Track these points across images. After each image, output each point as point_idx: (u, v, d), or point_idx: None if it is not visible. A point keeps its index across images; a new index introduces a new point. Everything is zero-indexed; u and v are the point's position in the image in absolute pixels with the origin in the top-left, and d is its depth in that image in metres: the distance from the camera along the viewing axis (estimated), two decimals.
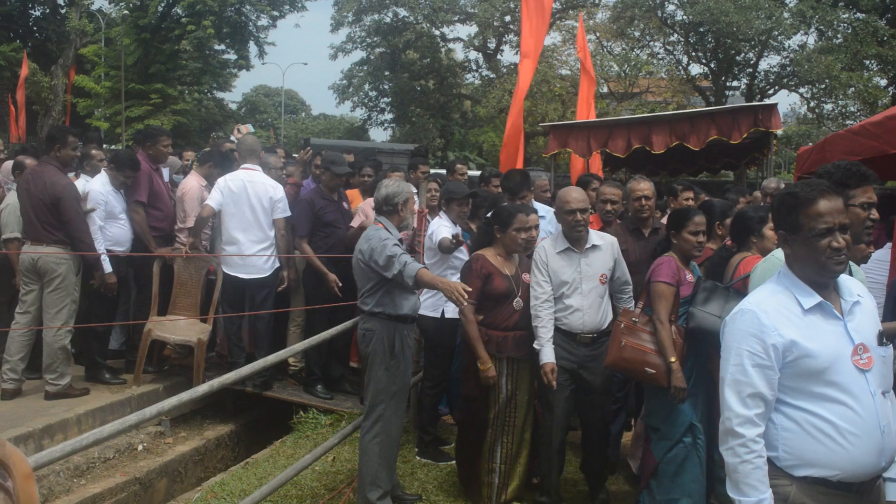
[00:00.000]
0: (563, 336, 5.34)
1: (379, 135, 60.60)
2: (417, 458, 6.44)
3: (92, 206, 7.23)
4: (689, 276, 5.09)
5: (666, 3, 32.85)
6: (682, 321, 4.95)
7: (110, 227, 7.38)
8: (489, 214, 5.70)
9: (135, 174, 7.52)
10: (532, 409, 5.58)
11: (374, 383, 5.22)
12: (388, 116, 44.11)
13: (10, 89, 30.56)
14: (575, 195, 5.40)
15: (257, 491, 4.97)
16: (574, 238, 5.40)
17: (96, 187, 7.34)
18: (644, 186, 6.33)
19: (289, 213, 7.62)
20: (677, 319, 4.96)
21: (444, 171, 12.33)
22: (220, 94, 41.98)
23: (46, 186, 6.77)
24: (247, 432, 7.92)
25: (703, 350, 4.89)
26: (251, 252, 7.46)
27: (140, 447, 6.96)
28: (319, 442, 6.61)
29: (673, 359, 4.77)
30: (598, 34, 36.57)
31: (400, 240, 5.29)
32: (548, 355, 5.21)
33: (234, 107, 54.87)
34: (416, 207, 5.61)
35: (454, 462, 6.15)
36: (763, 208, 5.14)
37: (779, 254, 3.56)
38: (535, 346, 5.29)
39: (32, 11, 40.32)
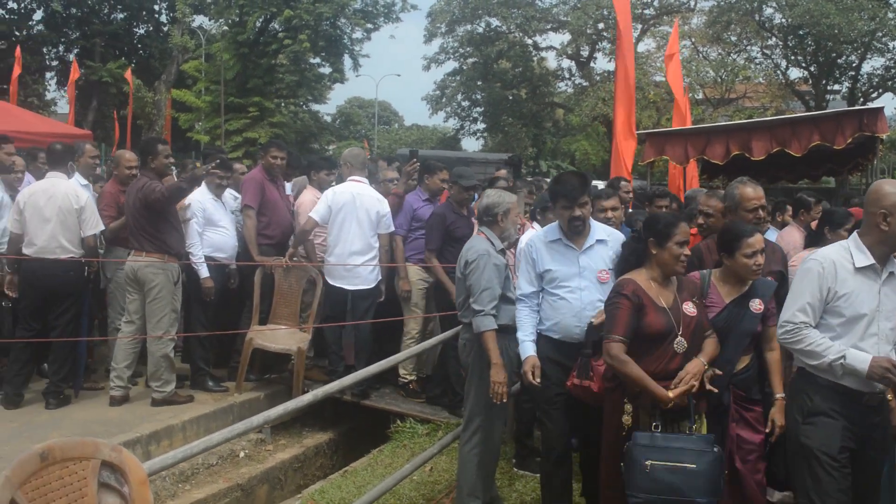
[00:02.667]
0: (846, 399, 3.90)
1: (471, 144, 60.82)
2: (515, 469, 6.40)
3: (189, 215, 7.46)
4: None
5: (764, 6, 32.17)
6: None
7: (210, 235, 7.63)
8: (641, 227, 4.61)
9: (227, 174, 7.83)
10: None
11: (473, 394, 5.21)
12: (481, 126, 44.25)
13: (116, 105, 31.71)
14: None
15: (358, 500, 5.02)
16: (885, 253, 3.94)
17: (195, 196, 7.57)
18: (759, 194, 5.01)
19: (392, 229, 7.68)
20: None
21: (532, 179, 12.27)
22: (315, 107, 42.67)
23: (138, 193, 6.98)
24: (344, 440, 7.99)
25: None
26: (355, 264, 7.53)
27: (242, 454, 7.10)
28: (416, 451, 6.63)
29: None
30: (693, 39, 36.02)
31: (503, 250, 5.28)
32: (860, 359, 3.80)
33: (328, 119, 55.71)
34: (519, 219, 5.48)
35: None
36: None
37: None
38: (824, 360, 3.86)
39: (136, 30, 41.79)
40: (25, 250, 6.96)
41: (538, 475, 6.21)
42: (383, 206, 7.62)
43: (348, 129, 66.12)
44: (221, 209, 7.82)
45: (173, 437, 6.71)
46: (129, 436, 6.35)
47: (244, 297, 8.03)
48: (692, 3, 37.16)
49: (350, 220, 7.50)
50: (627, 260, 4.54)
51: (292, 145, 32.91)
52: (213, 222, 7.67)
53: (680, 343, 4.19)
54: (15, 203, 7.05)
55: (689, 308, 4.29)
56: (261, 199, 7.85)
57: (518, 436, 6.53)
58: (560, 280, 4.87)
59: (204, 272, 7.51)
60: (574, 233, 4.87)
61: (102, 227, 7.23)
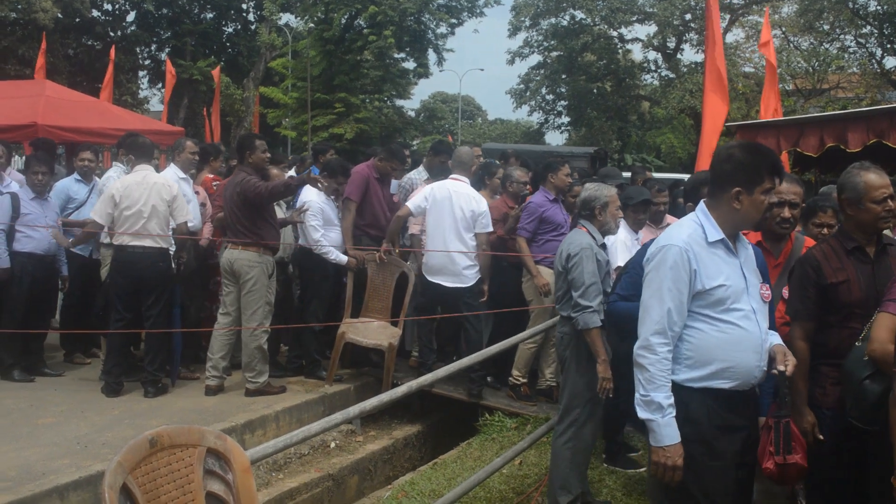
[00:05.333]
0: None
1: (555, 138, 60.25)
2: (606, 465, 6.35)
3: (308, 217, 7.64)
4: None
5: None
6: None
7: (329, 233, 7.79)
8: None
9: (346, 180, 7.92)
10: None
11: (569, 388, 5.20)
12: (565, 120, 43.92)
13: (206, 102, 32.47)
14: None
15: (450, 492, 5.04)
16: None
17: (312, 197, 7.74)
18: (887, 181, 3.89)
19: (491, 229, 7.62)
20: None
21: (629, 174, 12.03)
22: (399, 102, 42.91)
23: (235, 187, 7.15)
24: (433, 433, 8.05)
25: None
26: (452, 262, 7.54)
27: (332, 444, 7.19)
28: (505, 445, 6.64)
29: None
30: (783, 29, 35.14)
31: (603, 245, 5.25)
32: None
33: (412, 114, 55.94)
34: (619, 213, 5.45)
35: (643, 470, 6.03)
36: None
37: None
38: None
39: (225, 28, 42.76)
40: (116, 241, 7.17)
41: (628, 471, 6.19)
42: (480, 205, 7.54)
43: (432, 124, 66.29)
44: (335, 208, 7.99)
45: (267, 426, 6.84)
46: (224, 424, 6.48)
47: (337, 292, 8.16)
48: None
49: (446, 217, 7.50)
50: None
51: (377, 140, 33.27)
52: (330, 221, 7.84)
53: None
54: (108, 196, 7.12)
55: None
56: (363, 194, 8.00)
57: (607, 432, 6.47)
58: (732, 301, 3.30)
59: (343, 258, 7.78)
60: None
61: (190, 217, 7.38)
